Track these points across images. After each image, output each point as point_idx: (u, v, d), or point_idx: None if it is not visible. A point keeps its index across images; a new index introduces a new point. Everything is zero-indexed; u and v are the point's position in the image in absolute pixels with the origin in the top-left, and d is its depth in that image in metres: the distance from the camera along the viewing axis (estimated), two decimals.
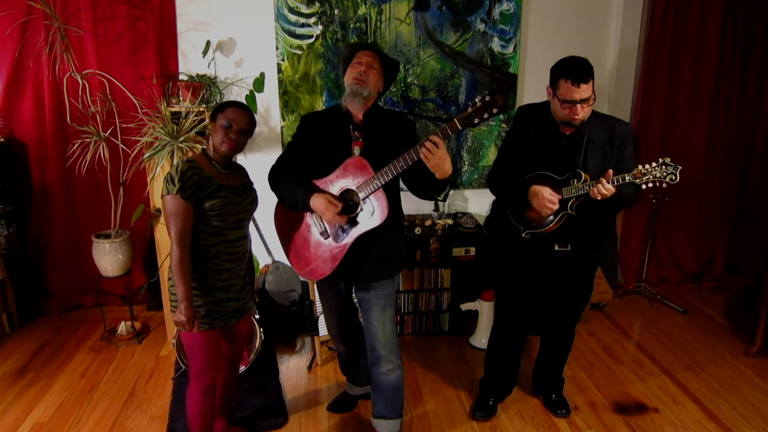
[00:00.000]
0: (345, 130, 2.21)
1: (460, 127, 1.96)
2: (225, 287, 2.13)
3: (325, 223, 2.22)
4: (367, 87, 2.15)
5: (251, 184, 2.25)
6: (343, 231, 2.18)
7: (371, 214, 2.12)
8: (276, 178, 2.29)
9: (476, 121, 1.94)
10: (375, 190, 2.09)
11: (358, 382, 2.80)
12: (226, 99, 3.49)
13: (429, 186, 2.10)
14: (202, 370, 2.14)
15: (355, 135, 2.20)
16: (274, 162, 2.34)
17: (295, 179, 2.23)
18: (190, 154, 3.18)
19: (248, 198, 2.17)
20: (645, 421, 2.73)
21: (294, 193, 2.19)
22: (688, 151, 4.01)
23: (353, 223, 2.16)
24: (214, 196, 2.01)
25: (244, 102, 3.32)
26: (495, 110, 1.92)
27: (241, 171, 2.23)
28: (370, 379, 2.46)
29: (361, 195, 2.12)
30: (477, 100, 1.93)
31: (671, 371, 3.15)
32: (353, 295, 2.51)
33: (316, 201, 2.13)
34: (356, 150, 2.18)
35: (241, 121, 2.05)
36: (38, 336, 3.52)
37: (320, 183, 2.21)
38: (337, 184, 2.17)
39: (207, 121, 2.09)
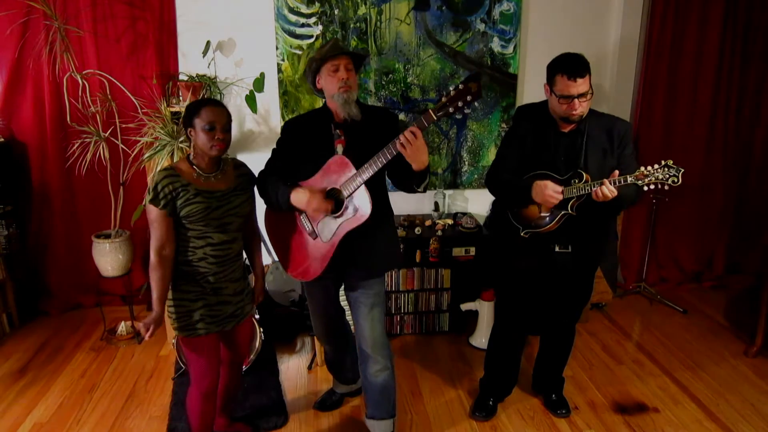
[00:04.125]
0: (327, 130, 2.21)
1: (435, 118, 1.95)
2: (215, 290, 2.11)
3: (312, 223, 2.22)
4: (353, 90, 2.15)
5: (248, 182, 2.19)
6: (330, 228, 2.17)
7: (356, 211, 2.11)
8: (262, 182, 2.27)
9: (451, 110, 1.93)
10: (358, 187, 2.08)
11: (343, 381, 2.81)
12: (225, 99, 3.50)
13: (408, 178, 2.10)
14: (200, 375, 2.14)
15: (337, 133, 2.20)
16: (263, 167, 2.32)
17: (279, 181, 2.22)
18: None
19: (235, 201, 2.11)
20: (645, 421, 2.73)
21: (276, 192, 2.19)
22: (689, 151, 4.01)
23: (339, 221, 2.15)
24: (191, 202, 1.98)
25: (245, 102, 3.33)
26: (469, 98, 1.90)
27: (237, 169, 2.18)
28: (361, 379, 2.45)
29: (345, 193, 2.12)
30: (451, 89, 1.93)
31: (671, 371, 3.15)
32: (341, 295, 2.50)
33: (296, 196, 2.13)
34: (339, 148, 2.18)
35: (222, 117, 2.01)
36: (38, 336, 3.52)
37: (305, 185, 2.21)
38: (321, 184, 2.17)
39: (182, 128, 2.08)
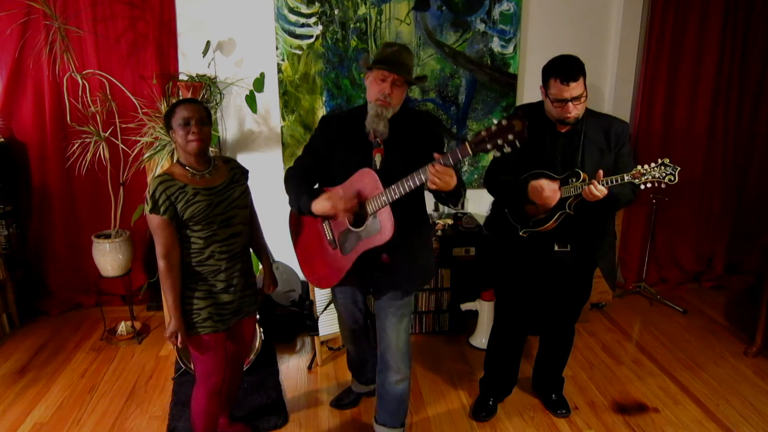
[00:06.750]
0: (366, 136, 2.10)
1: (470, 153, 1.82)
2: (226, 287, 2.12)
3: (333, 232, 2.16)
4: (392, 107, 2.04)
5: (241, 174, 2.19)
6: (350, 242, 2.10)
7: (377, 231, 2.02)
8: (289, 181, 2.21)
9: (489, 146, 1.77)
10: (382, 207, 1.99)
11: (363, 381, 2.79)
12: (225, 99, 3.50)
13: (441, 199, 2.04)
14: (207, 374, 2.14)
15: (377, 142, 2.08)
16: (291, 163, 2.26)
17: (304, 184, 2.16)
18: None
19: (235, 193, 2.12)
20: (645, 421, 2.73)
21: (298, 199, 2.13)
22: (688, 151, 4.01)
23: (359, 237, 2.08)
24: (191, 203, 1.99)
25: (245, 102, 3.34)
26: (510, 137, 1.74)
27: (228, 164, 2.18)
28: (376, 385, 2.42)
29: (369, 209, 2.03)
30: (493, 124, 1.78)
31: (671, 371, 3.15)
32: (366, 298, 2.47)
33: (318, 205, 2.05)
34: (377, 157, 2.07)
35: (195, 111, 2.00)
36: (38, 336, 3.52)
37: (329, 191, 2.12)
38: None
39: (163, 134, 2.08)
